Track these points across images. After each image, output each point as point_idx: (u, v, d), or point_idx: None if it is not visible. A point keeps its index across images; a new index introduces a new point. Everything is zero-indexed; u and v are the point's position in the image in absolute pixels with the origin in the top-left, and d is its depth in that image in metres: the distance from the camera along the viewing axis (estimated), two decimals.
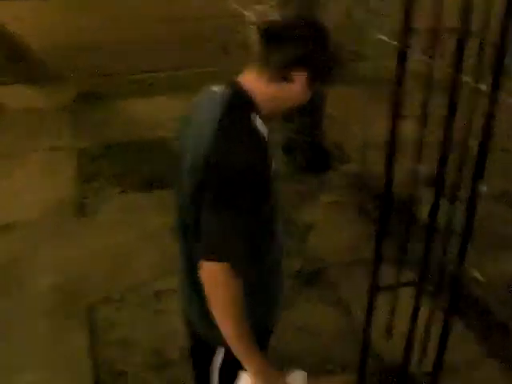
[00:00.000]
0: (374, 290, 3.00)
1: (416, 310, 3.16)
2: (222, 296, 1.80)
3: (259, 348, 1.93)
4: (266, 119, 1.89)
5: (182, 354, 3.12)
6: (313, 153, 5.36)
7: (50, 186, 5.33)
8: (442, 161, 2.85)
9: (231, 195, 1.77)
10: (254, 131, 1.83)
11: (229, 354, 2.00)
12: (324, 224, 4.69)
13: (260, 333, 2.01)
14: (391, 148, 2.73)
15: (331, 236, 4.65)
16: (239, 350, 1.87)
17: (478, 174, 2.64)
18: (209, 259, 1.78)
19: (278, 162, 1.98)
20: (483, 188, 2.83)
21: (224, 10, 9.00)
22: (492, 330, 3.82)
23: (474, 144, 2.62)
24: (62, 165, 5.77)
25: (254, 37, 1.86)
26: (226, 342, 1.92)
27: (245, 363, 1.88)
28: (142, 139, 6.14)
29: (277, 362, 2.41)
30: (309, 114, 5.17)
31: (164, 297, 3.83)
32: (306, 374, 2.02)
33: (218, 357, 2.06)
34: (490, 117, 2.52)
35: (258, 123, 1.85)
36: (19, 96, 7.39)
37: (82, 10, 9.56)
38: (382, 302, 3.11)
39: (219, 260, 1.77)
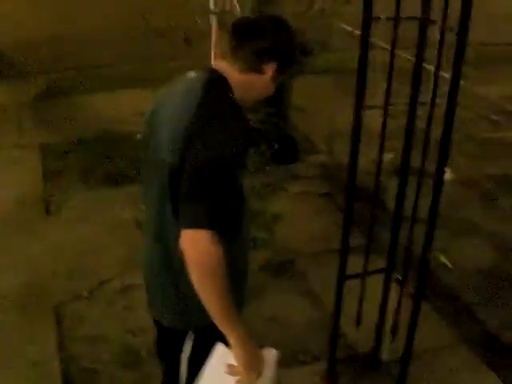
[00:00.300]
0: (342, 278, 3.02)
1: (385, 296, 3.19)
2: (205, 263, 1.81)
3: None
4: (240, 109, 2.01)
5: (151, 350, 3.10)
6: (280, 144, 5.36)
7: (14, 183, 5.25)
8: (406, 149, 2.88)
9: (214, 164, 1.83)
10: (235, 104, 1.95)
11: (198, 339, 2.04)
12: (292, 214, 4.70)
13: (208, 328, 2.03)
14: (355, 137, 2.75)
15: (300, 226, 4.66)
16: (223, 321, 1.88)
17: (442, 161, 2.66)
18: (191, 227, 1.81)
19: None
20: (447, 174, 2.87)
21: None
22: (461, 316, 3.86)
23: (438, 131, 2.65)
24: (27, 161, 5.69)
25: (214, 26, 1.95)
26: (195, 326, 1.99)
27: (228, 334, 1.89)
28: (108, 134, 6.08)
29: None
30: (275, 104, 5.17)
31: (132, 292, 3.79)
32: (277, 352, 2.02)
33: (188, 344, 2.06)
34: (452, 104, 2.53)
35: (237, 110, 1.97)
36: None
37: (44, 4, 9.42)
38: (352, 290, 3.13)
39: (202, 227, 1.80)
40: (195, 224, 1.81)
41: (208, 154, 1.83)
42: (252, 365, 1.96)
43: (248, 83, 2.00)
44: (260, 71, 1.99)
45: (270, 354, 2.00)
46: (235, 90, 1.98)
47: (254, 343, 1.95)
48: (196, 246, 1.81)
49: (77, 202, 5.01)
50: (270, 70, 1.99)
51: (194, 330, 2.04)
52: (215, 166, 1.82)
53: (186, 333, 2.07)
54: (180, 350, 2.08)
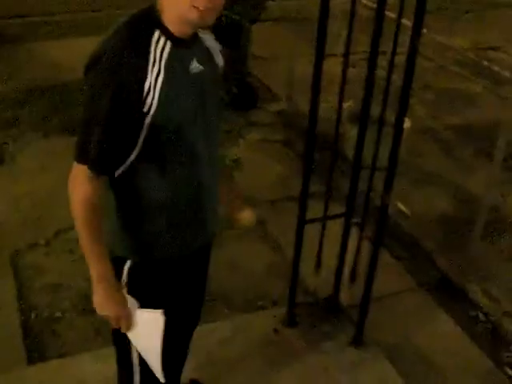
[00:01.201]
0: (302, 222, 3.04)
1: (344, 241, 3.23)
2: (75, 195, 1.87)
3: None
4: (179, 42, 1.86)
5: None
6: (238, 90, 5.32)
7: None
8: (366, 97, 2.88)
9: (89, 95, 1.81)
10: (141, 41, 1.81)
11: (134, 266, 2.06)
12: (251, 162, 4.69)
13: (163, 258, 2.09)
14: (315, 86, 2.74)
15: (258, 174, 4.66)
16: (85, 254, 1.95)
17: (402, 110, 2.67)
18: (74, 159, 1.85)
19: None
20: (407, 124, 2.88)
21: None
22: (418, 261, 3.95)
23: (397, 80, 2.65)
24: None
25: None
26: (130, 255, 2.04)
27: (89, 267, 1.96)
28: (61, 83, 5.92)
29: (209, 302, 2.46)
30: (234, 51, 5.11)
31: None
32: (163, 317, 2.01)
33: (125, 269, 2.07)
34: (413, 52, 2.53)
35: (163, 44, 1.82)
36: None
37: None
38: (311, 237, 3.16)
39: (77, 160, 1.85)
40: (75, 156, 1.86)
41: (88, 92, 1.81)
42: (102, 305, 2.01)
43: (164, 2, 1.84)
44: None
45: (156, 314, 2.01)
46: (168, 23, 1.84)
47: (111, 286, 1.99)
48: (72, 178, 1.88)
49: (32, 151, 4.92)
50: None
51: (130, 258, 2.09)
52: (98, 98, 1.78)
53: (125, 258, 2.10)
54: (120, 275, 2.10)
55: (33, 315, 3.37)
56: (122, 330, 2.07)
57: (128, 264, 2.07)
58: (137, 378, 2.33)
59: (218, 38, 2.09)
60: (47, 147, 4.96)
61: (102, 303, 2.01)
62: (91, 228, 1.91)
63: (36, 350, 3.17)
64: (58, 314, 3.36)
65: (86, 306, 3.29)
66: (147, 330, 2.05)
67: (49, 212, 4.11)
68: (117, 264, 2.07)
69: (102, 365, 2.76)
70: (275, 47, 6.34)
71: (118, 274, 2.08)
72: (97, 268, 1.96)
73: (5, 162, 4.79)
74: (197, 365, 2.90)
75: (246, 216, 2.35)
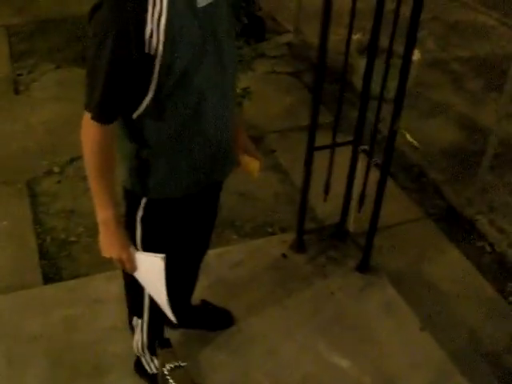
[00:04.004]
0: (311, 149, 3.08)
1: (352, 168, 3.26)
2: (84, 143, 1.91)
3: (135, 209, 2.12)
4: None
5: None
6: (247, 21, 5.28)
7: None
8: (375, 28, 2.88)
9: (93, 49, 1.78)
10: None
11: (150, 204, 2.12)
12: (260, 93, 4.67)
13: (162, 199, 2.13)
14: (325, 16, 2.73)
15: (268, 104, 4.68)
16: (93, 197, 2.00)
17: (411, 41, 2.67)
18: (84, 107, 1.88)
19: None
20: (416, 55, 2.88)
21: None
22: (426, 192, 3.99)
23: (406, 11, 2.64)
24: None
25: None
26: (146, 192, 2.08)
27: (96, 209, 2.02)
28: (72, 16, 5.91)
29: (219, 229, 2.52)
30: None
31: None
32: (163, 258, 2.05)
33: (141, 204, 2.13)
34: None
35: None
36: None
37: None
38: (320, 166, 3.21)
39: (84, 107, 1.86)
40: (84, 104, 1.87)
41: (91, 40, 1.78)
42: (106, 247, 2.08)
43: None
44: None
45: (158, 258, 2.05)
46: None
47: (115, 230, 2.04)
48: (83, 127, 1.89)
49: (46, 81, 4.96)
50: None
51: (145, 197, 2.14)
52: (100, 45, 1.75)
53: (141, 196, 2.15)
54: (137, 211, 2.17)
55: (48, 239, 3.48)
56: (127, 271, 2.15)
57: (144, 200, 2.13)
58: (145, 319, 2.48)
59: None
60: (60, 78, 5.01)
61: (106, 245, 2.08)
62: (100, 173, 1.95)
63: (52, 271, 3.29)
64: (73, 238, 3.47)
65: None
66: (150, 273, 2.12)
67: (63, 140, 4.17)
68: (133, 199, 2.14)
69: (115, 285, 2.85)
70: None
71: (134, 209, 2.15)
72: (103, 212, 2.01)
73: (20, 92, 4.85)
74: (207, 286, 3.00)
75: (252, 163, 2.34)
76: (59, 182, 3.89)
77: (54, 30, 5.76)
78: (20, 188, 3.83)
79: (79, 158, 3.95)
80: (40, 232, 3.52)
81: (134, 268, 2.13)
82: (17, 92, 4.85)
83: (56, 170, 3.98)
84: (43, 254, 3.39)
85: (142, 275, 2.16)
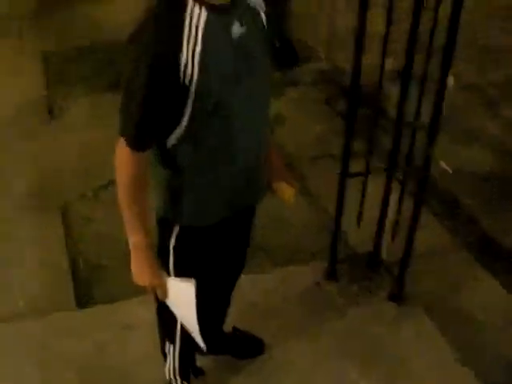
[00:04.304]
0: (344, 175, 3.06)
1: (386, 196, 3.24)
2: (118, 169, 1.93)
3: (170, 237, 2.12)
4: (217, 8, 1.80)
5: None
6: (279, 48, 5.30)
7: (18, 89, 5.23)
8: (409, 53, 2.87)
9: (129, 75, 1.80)
10: (177, 12, 1.77)
11: (182, 232, 2.12)
12: (291, 119, 4.70)
13: (194, 227, 2.13)
14: (358, 41, 2.73)
15: (299, 130, 4.67)
16: (125, 223, 2.02)
17: (446, 66, 2.65)
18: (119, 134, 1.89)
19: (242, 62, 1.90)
20: (450, 80, 2.87)
21: None
22: (460, 219, 3.93)
23: (440, 36, 2.63)
24: (29, 68, 5.65)
25: None
26: (179, 219, 2.09)
27: (128, 236, 2.04)
28: (107, 42, 5.98)
29: (251, 255, 2.52)
30: (273, 8, 5.09)
31: None
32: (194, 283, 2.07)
33: (174, 232, 2.14)
34: (457, 8, 2.51)
35: (198, 13, 1.77)
36: None
37: None
38: (352, 194, 3.19)
39: (120, 134, 1.88)
40: (119, 130, 1.88)
41: (128, 67, 1.81)
42: (138, 275, 2.09)
43: None
44: None
45: (188, 284, 2.07)
46: None
47: (147, 257, 2.06)
48: (116, 153, 1.91)
49: (80, 106, 5.02)
50: None
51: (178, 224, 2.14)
52: (136, 74, 1.77)
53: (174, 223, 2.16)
54: (169, 238, 2.17)
55: (81, 263, 3.51)
56: (159, 298, 2.17)
57: (177, 227, 2.14)
58: (177, 345, 2.48)
59: None
60: (93, 103, 5.06)
61: (138, 272, 2.09)
62: (132, 199, 1.97)
63: (85, 296, 3.31)
64: (106, 263, 3.49)
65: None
66: (181, 299, 2.14)
67: (96, 165, 4.19)
68: (166, 226, 2.15)
69: (147, 310, 2.85)
70: (314, 4, 6.26)
71: (167, 236, 2.15)
72: (134, 238, 2.03)
73: (54, 115, 4.92)
74: (239, 312, 2.96)
75: (287, 190, 2.34)
76: (93, 205, 3.93)
77: (88, 56, 5.85)
78: (54, 211, 3.87)
79: (112, 182, 3.97)
80: (73, 256, 3.55)
81: (166, 294, 2.14)
82: (52, 117, 4.93)
83: (89, 194, 4.01)
84: (76, 277, 3.41)
85: (172, 301, 2.17)
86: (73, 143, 4.52)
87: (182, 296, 2.13)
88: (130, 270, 2.11)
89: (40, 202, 3.96)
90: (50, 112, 4.97)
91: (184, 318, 2.22)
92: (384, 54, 2.88)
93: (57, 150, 4.48)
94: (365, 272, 3.45)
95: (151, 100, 1.80)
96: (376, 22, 2.81)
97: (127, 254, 2.09)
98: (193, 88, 1.78)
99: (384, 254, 3.45)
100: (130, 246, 2.06)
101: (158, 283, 2.11)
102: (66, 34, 6.31)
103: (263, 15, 2.03)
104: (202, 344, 2.22)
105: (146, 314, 2.93)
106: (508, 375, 2.94)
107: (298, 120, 4.83)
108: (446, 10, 2.55)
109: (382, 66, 2.92)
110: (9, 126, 4.74)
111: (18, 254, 3.58)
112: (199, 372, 2.78)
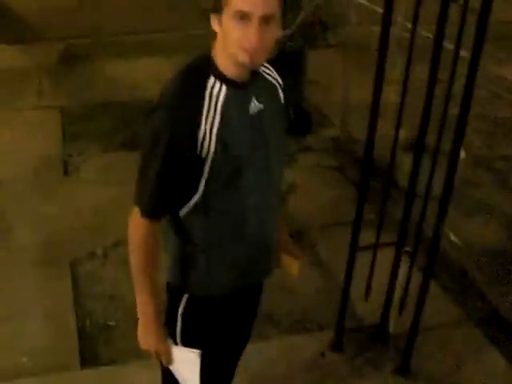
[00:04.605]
0: (354, 248, 3.07)
1: (395, 270, 3.23)
2: (131, 236, 1.96)
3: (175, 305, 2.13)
4: (236, 85, 1.86)
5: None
6: (293, 116, 5.37)
7: (34, 145, 5.31)
8: (423, 126, 2.90)
9: (144, 147, 1.86)
10: (197, 88, 1.82)
11: (191, 301, 2.13)
12: (304, 187, 4.71)
13: (202, 297, 2.14)
14: (373, 112, 2.77)
15: (311, 198, 4.68)
16: (135, 287, 2.04)
17: (458, 140, 2.69)
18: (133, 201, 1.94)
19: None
20: (462, 154, 2.89)
21: None
22: (468, 293, 3.90)
23: (454, 110, 2.67)
24: (46, 124, 5.74)
25: None
26: (188, 288, 2.11)
27: (137, 301, 2.06)
28: (124, 100, 6.11)
29: (257, 322, 2.51)
30: (289, 76, 5.17)
31: None
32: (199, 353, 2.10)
33: (183, 300, 2.14)
34: (470, 83, 2.56)
35: (218, 89, 1.83)
36: (1, 55, 7.29)
37: None
38: (361, 264, 3.19)
39: (134, 203, 1.93)
40: (134, 199, 1.93)
41: (146, 137, 1.86)
42: (144, 339, 2.12)
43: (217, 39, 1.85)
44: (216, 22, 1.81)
45: (193, 354, 2.10)
46: (223, 64, 1.85)
47: (153, 322, 2.08)
48: (131, 219, 1.95)
49: (95, 164, 5.09)
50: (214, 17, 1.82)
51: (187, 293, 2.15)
52: (154, 145, 1.82)
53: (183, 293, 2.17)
54: (178, 306, 2.18)
55: (88, 321, 3.51)
56: (164, 364, 2.18)
57: (186, 295, 2.14)
58: None
59: (278, 66, 2.09)
60: (108, 160, 5.13)
61: (144, 337, 2.11)
62: (144, 266, 1.99)
63: (90, 355, 3.30)
64: (112, 323, 3.49)
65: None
66: (186, 367, 2.16)
67: (108, 223, 4.24)
68: (175, 293, 2.16)
69: (151, 374, 2.83)
70: (329, 72, 6.37)
71: (176, 303, 2.16)
72: (143, 304, 2.06)
73: (69, 172, 4.98)
74: (244, 381, 2.93)
75: (293, 263, 2.36)
76: (102, 264, 3.94)
77: (104, 114, 5.93)
78: (63, 269, 3.88)
79: (123, 241, 3.99)
80: (80, 314, 3.55)
81: (170, 361, 2.14)
82: (66, 173, 4.98)
83: (99, 252, 4.03)
84: (82, 336, 3.41)
85: (177, 368, 2.18)
86: (86, 200, 4.56)
87: (186, 365, 2.14)
88: (135, 331, 2.12)
89: (50, 258, 3.98)
90: (65, 168, 5.02)
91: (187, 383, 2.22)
92: (398, 125, 2.92)
93: (70, 206, 4.51)
94: (371, 344, 3.42)
95: (167, 172, 1.84)
96: (390, 94, 2.87)
97: (134, 315, 2.10)
98: (208, 162, 1.82)
99: (391, 327, 3.42)
100: (138, 311, 2.07)
101: (162, 349, 2.11)
102: (84, 90, 6.43)
103: (281, 91, 2.07)
104: None
105: (151, 378, 2.90)
106: None
107: (310, 187, 4.85)
108: (458, 84, 2.60)
109: (396, 137, 2.95)
110: (24, 181, 4.80)
111: (25, 309, 3.58)
112: None
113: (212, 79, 1.84)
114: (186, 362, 2.13)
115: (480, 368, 3.35)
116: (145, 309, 2.06)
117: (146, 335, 2.10)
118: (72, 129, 5.65)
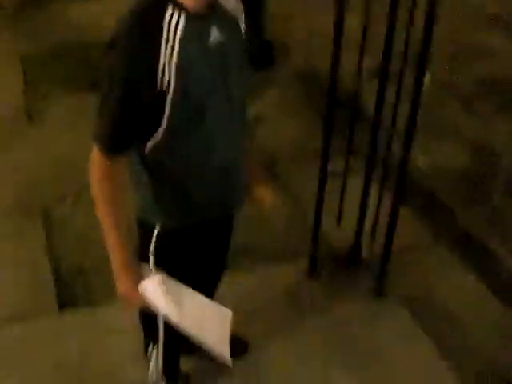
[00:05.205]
0: (324, 176, 3.10)
1: (365, 195, 3.28)
2: (92, 177, 1.94)
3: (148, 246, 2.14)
4: (195, 15, 1.82)
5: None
6: (257, 48, 5.30)
7: None
8: (387, 52, 2.90)
9: (105, 77, 1.82)
10: (154, 19, 1.77)
11: (162, 234, 2.14)
12: (270, 119, 4.71)
13: (173, 230, 2.15)
14: (336, 42, 2.76)
15: (278, 131, 4.68)
16: (105, 238, 2.02)
17: (422, 65, 2.69)
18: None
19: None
20: (426, 77, 2.90)
21: None
22: (438, 216, 3.98)
23: (418, 35, 2.65)
24: (5, 70, 5.59)
25: None
26: (158, 222, 2.10)
27: (110, 255, 2.05)
28: (85, 43, 5.95)
29: (231, 255, 2.54)
30: (250, 8, 5.09)
31: None
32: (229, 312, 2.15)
33: (154, 234, 2.15)
34: (432, 6, 2.54)
35: (176, 20, 1.78)
36: None
37: None
38: (332, 193, 3.23)
39: (94, 140, 1.88)
40: (94, 137, 1.89)
41: (105, 73, 1.82)
42: (119, 289, 2.10)
43: None
44: None
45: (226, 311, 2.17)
46: None
47: (121, 266, 2.06)
48: (91, 158, 1.92)
49: (60, 109, 4.99)
50: None
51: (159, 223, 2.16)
52: (112, 82, 1.79)
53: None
54: (150, 241, 2.18)
55: (63, 266, 3.50)
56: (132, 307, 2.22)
57: (156, 230, 2.14)
58: (161, 348, 2.48)
59: None
60: (73, 105, 5.02)
61: (127, 293, 2.10)
62: (110, 208, 1.97)
63: (67, 298, 3.31)
64: (88, 266, 3.48)
65: None
66: (213, 322, 2.19)
67: (76, 167, 4.12)
68: (146, 229, 2.16)
69: (130, 314, 2.87)
70: (292, 4, 6.29)
71: (147, 238, 2.16)
72: (112, 250, 2.04)
73: (33, 119, 4.89)
74: None
75: (265, 195, 2.38)
76: (73, 209, 3.92)
77: (66, 57, 5.79)
78: (34, 214, 3.87)
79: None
80: (55, 260, 3.54)
81: (138, 306, 2.18)
82: (30, 119, 4.89)
83: (70, 197, 4.00)
84: (58, 281, 3.40)
85: (152, 299, 2.14)
86: (52, 146, 4.50)
87: (214, 319, 2.19)
88: (112, 273, 2.09)
89: (19, 206, 3.94)
90: (29, 115, 4.93)
91: (209, 339, 2.22)
92: (362, 53, 2.91)
93: (36, 153, 4.46)
94: (345, 270, 3.49)
95: (127, 107, 1.81)
96: (352, 24, 2.84)
97: (107, 256, 2.09)
98: (169, 95, 1.79)
99: (364, 252, 3.48)
100: (113, 265, 2.05)
101: (132, 298, 2.10)
102: (45, 34, 6.24)
103: (242, 24, 2.04)
104: (230, 363, 2.26)
105: (129, 317, 2.94)
106: (484, 368, 2.99)
107: (276, 119, 4.84)
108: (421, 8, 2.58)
109: (360, 66, 2.94)
110: None
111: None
112: (183, 374, 2.80)
113: (170, 10, 1.78)
114: (214, 317, 2.17)
115: (451, 287, 3.44)
116: (113, 255, 2.04)
117: (117, 281, 2.10)
118: (33, 74, 5.52)
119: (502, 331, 3.19)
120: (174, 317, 2.10)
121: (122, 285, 2.09)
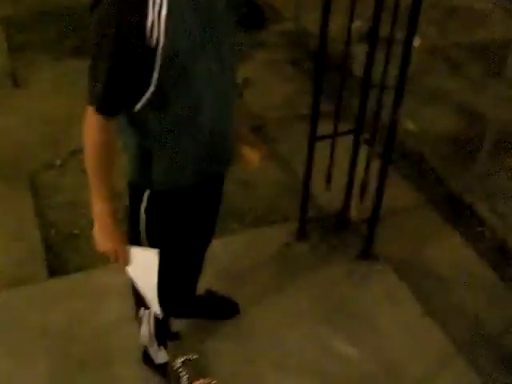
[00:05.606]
0: (313, 139, 3.10)
1: (354, 158, 3.28)
2: (86, 138, 1.92)
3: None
4: None
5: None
6: (246, 10, 5.26)
7: None
8: (376, 16, 2.89)
9: (93, 37, 1.79)
10: None
11: (153, 196, 2.14)
12: (259, 81, 4.69)
13: (163, 191, 2.14)
14: (326, 4, 2.74)
15: (267, 93, 4.68)
16: (91, 190, 2.04)
17: (412, 28, 2.67)
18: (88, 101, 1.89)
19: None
20: (416, 42, 2.89)
21: None
22: (426, 179, 4.01)
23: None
24: None
25: None
26: (149, 184, 2.10)
27: (92, 203, 2.07)
28: (70, 7, 5.87)
29: (220, 218, 2.55)
30: None
31: None
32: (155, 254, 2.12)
33: (145, 196, 2.15)
34: None
35: None
36: None
37: None
38: (321, 155, 3.23)
39: (88, 101, 1.87)
40: (88, 98, 1.87)
41: (93, 33, 1.78)
42: (100, 241, 2.13)
43: None
44: None
45: (152, 253, 2.12)
46: None
47: (110, 223, 2.09)
48: (86, 117, 1.89)
49: (45, 74, 4.96)
50: None
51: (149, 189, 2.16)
52: (101, 40, 1.76)
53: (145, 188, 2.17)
54: (140, 203, 2.19)
55: (52, 231, 3.50)
56: (121, 265, 2.19)
57: (147, 191, 2.14)
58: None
59: None
60: (58, 70, 5.00)
61: (100, 238, 2.12)
62: (99, 166, 1.97)
63: (57, 264, 3.31)
64: (77, 231, 3.49)
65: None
66: (143, 267, 2.18)
67: (63, 133, 4.17)
68: (137, 190, 2.16)
69: (121, 277, 2.87)
70: None
71: (138, 200, 2.16)
72: (98, 205, 2.05)
73: (18, 84, 4.84)
74: (211, 276, 2.99)
75: (252, 154, 2.38)
76: (61, 174, 3.90)
77: (51, 22, 5.74)
78: (21, 181, 3.85)
79: (80, 150, 3.91)
80: (44, 225, 3.54)
81: (127, 262, 2.17)
82: (15, 85, 4.85)
83: (57, 162, 3.99)
84: (48, 247, 3.41)
85: (134, 269, 2.20)
86: (38, 112, 4.47)
87: (144, 265, 2.16)
88: None
89: (6, 172, 3.92)
90: (14, 80, 4.87)
91: (143, 286, 2.25)
92: (351, 16, 2.89)
93: (22, 118, 4.42)
94: (334, 232, 3.51)
95: (118, 65, 1.78)
96: None
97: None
98: (159, 51, 1.77)
99: (353, 214, 3.50)
100: (94, 213, 2.08)
101: (119, 249, 2.13)
102: None
103: None
104: (158, 311, 2.28)
105: (120, 280, 2.92)
106: (470, 327, 3.04)
107: (266, 82, 4.83)
108: None
109: (349, 29, 2.93)
110: None
111: None
112: (175, 336, 2.82)
113: None
114: (144, 263, 2.16)
115: (438, 248, 3.48)
116: (100, 209, 2.06)
117: (103, 237, 2.11)
118: (18, 39, 5.47)
119: (488, 291, 3.24)
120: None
121: (97, 232, 2.12)
